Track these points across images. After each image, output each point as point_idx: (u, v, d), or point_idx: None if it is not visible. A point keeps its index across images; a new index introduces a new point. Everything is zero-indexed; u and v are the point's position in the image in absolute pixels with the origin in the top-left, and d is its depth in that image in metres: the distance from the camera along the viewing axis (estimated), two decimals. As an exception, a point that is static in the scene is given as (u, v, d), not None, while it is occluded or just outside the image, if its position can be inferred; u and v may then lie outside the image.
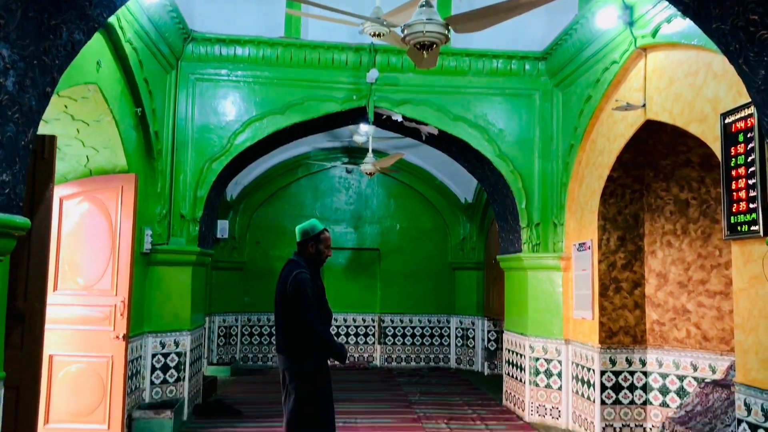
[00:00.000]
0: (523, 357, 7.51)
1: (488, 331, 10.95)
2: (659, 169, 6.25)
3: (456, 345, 11.49)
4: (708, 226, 6.06)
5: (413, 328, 11.57)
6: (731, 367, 4.96)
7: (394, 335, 11.55)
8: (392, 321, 11.56)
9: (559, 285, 7.25)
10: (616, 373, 6.32)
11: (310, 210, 11.46)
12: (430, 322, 11.59)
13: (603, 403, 6.28)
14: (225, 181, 7.97)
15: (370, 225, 11.70)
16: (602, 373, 6.31)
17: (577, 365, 6.82)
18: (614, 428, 6.28)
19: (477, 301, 11.24)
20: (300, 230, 4.37)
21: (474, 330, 11.26)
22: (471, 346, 11.29)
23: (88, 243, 5.95)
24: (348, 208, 11.65)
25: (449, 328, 11.57)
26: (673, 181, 6.23)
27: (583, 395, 6.65)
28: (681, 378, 6.11)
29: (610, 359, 6.33)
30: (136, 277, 6.25)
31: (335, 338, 4.27)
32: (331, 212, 11.47)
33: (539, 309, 7.35)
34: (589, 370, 6.51)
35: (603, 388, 6.30)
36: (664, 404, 6.19)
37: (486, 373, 10.73)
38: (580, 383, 6.74)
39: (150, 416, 6.20)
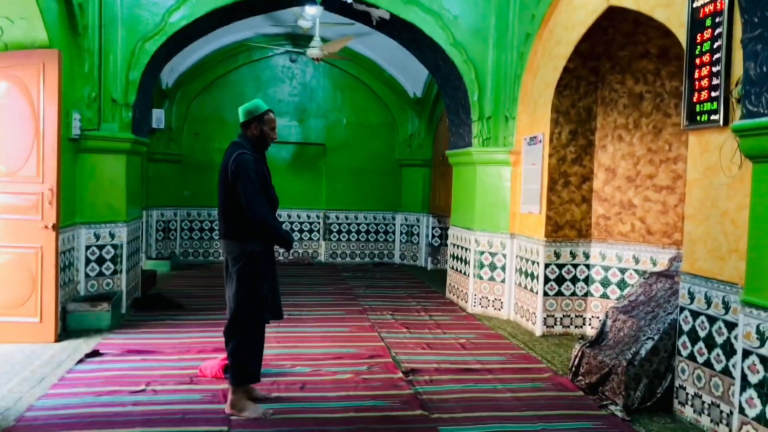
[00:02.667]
0: (468, 251, 7.54)
1: (433, 228, 10.99)
2: (616, 61, 6.09)
3: (401, 241, 11.52)
4: (660, 120, 6.01)
5: (358, 224, 11.50)
6: (675, 259, 5.05)
7: (339, 231, 11.47)
8: (337, 218, 11.44)
9: (507, 180, 7.18)
10: (560, 266, 6.41)
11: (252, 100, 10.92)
12: (375, 218, 11.53)
13: (546, 294, 6.40)
14: (160, 64, 7.40)
15: (315, 118, 11.29)
16: (546, 265, 6.38)
17: (522, 258, 6.88)
18: (555, 318, 6.43)
19: (423, 198, 11.20)
20: (243, 110, 4.05)
21: (419, 226, 11.28)
22: (415, 242, 11.35)
23: (9, 126, 5.44)
24: (292, 99, 11.17)
25: (394, 224, 11.55)
26: (628, 73, 6.10)
27: (526, 287, 6.75)
28: (623, 270, 6.24)
29: (555, 252, 6.40)
30: (65, 165, 5.82)
31: (280, 223, 4.06)
32: (275, 104, 10.98)
33: (487, 203, 7.31)
34: (533, 263, 6.58)
35: (546, 280, 6.39)
36: (604, 296, 6.35)
37: (429, 268, 10.86)
38: (523, 276, 6.83)
39: (86, 309, 5.95)
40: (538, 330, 6.41)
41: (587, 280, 6.46)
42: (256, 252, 3.91)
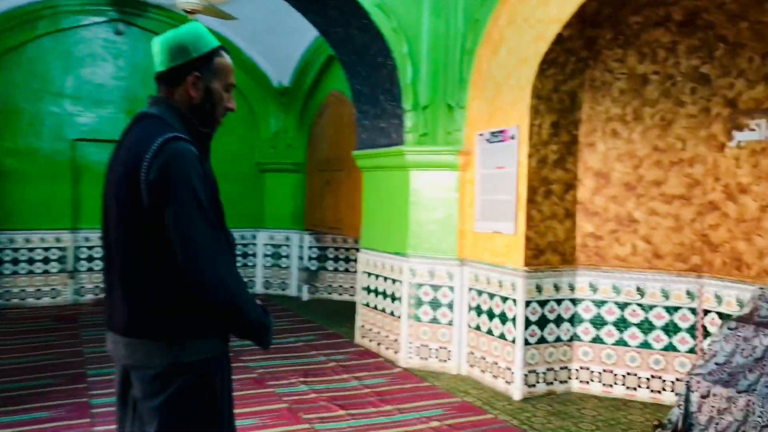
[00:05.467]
0: (398, 284, 5.65)
1: (309, 248, 8.90)
2: (621, 30, 4.62)
3: (264, 266, 9.26)
4: (670, 110, 4.64)
5: (207, 245, 9.04)
6: (762, 298, 3.62)
7: (183, 256, 8.92)
8: (179, 237, 8.88)
9: (454, 189, 5.42)
10: (542, 303, 4.79)
11: (60, 84, 8.04)
12: (230, 237, 9.15)
13: (527, 343, 4.73)
14: None
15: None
16: (527, 303, 4.72)
17: (480, 293, 5.16)
18: (537, 374, 4.79)
19: (294, 212, 9.07)
20: (168, 45, 1.79)
21: (289, 246, 9.11)
22: (284, 266, 9.16)
23: None
24: (117, 84, 8.40)
25: (255, 244, 9.26)
26: (632, 48, 4.65)
27: (489, 333, 5.03)
28: (622, 306, 4.77)
29: (537, 286, 4.76)
30: None
31: (251, 296, 1.84)
32: (93, 89, 8.19)
33: (427, 220, 5.48)
34: (503, 300, 4.88)
35: (527, 323, 4.73)
36: (597, 340, 4.84)
37: (305, 299, 8.76)
38: (483, 316, 5.11)
39: None
40: (517, 392, 4.72)
41: (573, 320, 4.91)
42: (206, 364, 1.70)
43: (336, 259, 8.68)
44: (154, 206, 1.57)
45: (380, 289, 5.94)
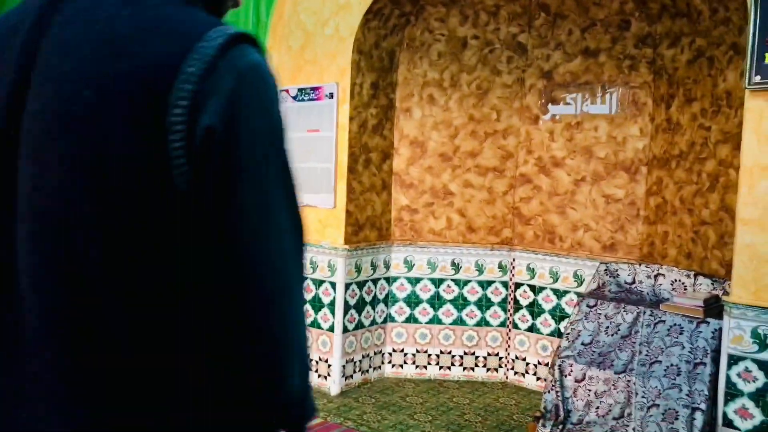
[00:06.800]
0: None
1: None
2: (450, -14, 4.26)
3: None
4: (486, 79, 4.48)
5: None
6: (608, 272, 3.63)
7: None
8: None
9: (249, 153, 4.55)
10: (361, 285, 4.30)
11: None
12: None
13: (345, 330, 4.20)
14: None
15: None
16: (346, 287, 4.18)
17: (285, 276, 4.44)
18: (355, 363, 4.31)
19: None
20: None
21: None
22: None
23: None
24: None
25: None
26: (456, 8, 4.34)
27: (299, 321, 4.37)
28: (437, 282, 4.54)
29: (356, 266, 4.25)
30: None
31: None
32: None
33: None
34: (318, 283, 4.26)
35: (346, 308, 4.20)
36: (412, 319, 4.54)
37: None
38: (288, 303, 4.42)
39: None
40: (335, 386, 4.18)
41: (387, 300, 4.52)
42: None
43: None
44: (203, 192, 0.63)
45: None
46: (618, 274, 3.60)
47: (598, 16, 4.09)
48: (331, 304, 4.18)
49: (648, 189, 3.98)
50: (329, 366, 4.20)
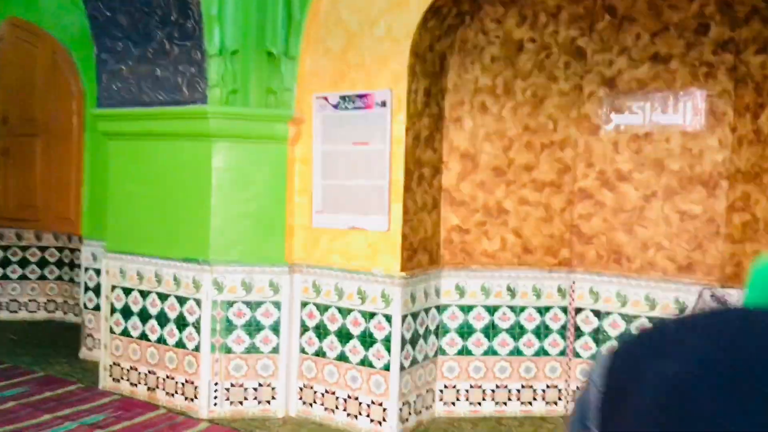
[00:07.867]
0: (191, 303, 3.97)
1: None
2: (513, -17, 3.85)
3: None
4: (542, 86, 4.10)
5: None
6: (713, 297, 3.30)
7: None
8: None
9: (280, 170, 3.98)
10: (414, 316, 3.82)
11: None
12: None
13: (402, 368, 3.72)
14: None
15: None
16: (403, 319, 3.70)
17: (325, 309, 3.91)
18: (410, 405, 3.83)
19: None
20: None
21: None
22: None
23: None
24: None
25: None
26: (515, 7, 3.93)
27: (344, 359, 3.85)
28: (492, 310, 4.11)
29: (412, 295, 3.77)
30: None
31: None
32: None
33: (236, 213, 3.93)
34: (369, 316, 3.75)
35: (402, 343, 3.71)
36: (464, 351, 4.09)
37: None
38: (328, 340, 3.89)
39: None
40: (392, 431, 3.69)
41: (438, 331, 4.06)
42: None
43: (24, 263, 6.08)
44: None
45: (153, 312, 4.13)
46: (726, 300, 3.27)
47: (672, 19, 3.77)
48: (386, 340, 3.69)
49: (730, 204, 3.69)
50: (384, 410, 3.70)
